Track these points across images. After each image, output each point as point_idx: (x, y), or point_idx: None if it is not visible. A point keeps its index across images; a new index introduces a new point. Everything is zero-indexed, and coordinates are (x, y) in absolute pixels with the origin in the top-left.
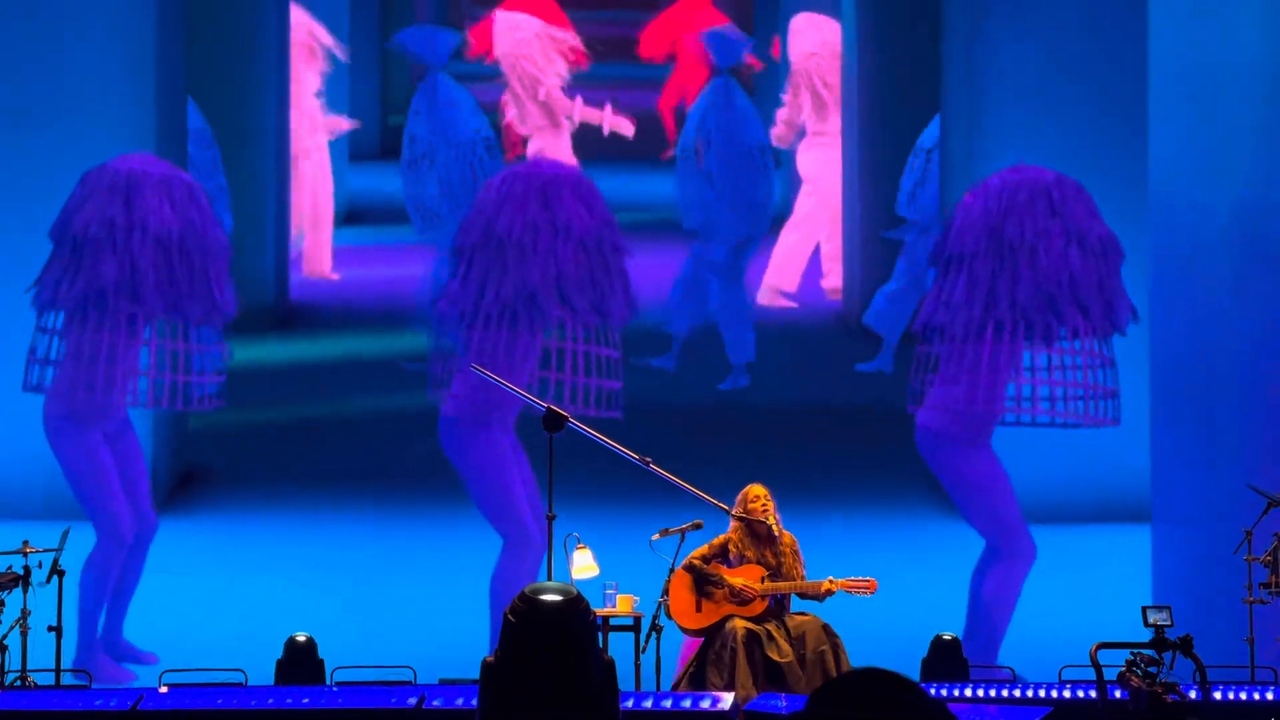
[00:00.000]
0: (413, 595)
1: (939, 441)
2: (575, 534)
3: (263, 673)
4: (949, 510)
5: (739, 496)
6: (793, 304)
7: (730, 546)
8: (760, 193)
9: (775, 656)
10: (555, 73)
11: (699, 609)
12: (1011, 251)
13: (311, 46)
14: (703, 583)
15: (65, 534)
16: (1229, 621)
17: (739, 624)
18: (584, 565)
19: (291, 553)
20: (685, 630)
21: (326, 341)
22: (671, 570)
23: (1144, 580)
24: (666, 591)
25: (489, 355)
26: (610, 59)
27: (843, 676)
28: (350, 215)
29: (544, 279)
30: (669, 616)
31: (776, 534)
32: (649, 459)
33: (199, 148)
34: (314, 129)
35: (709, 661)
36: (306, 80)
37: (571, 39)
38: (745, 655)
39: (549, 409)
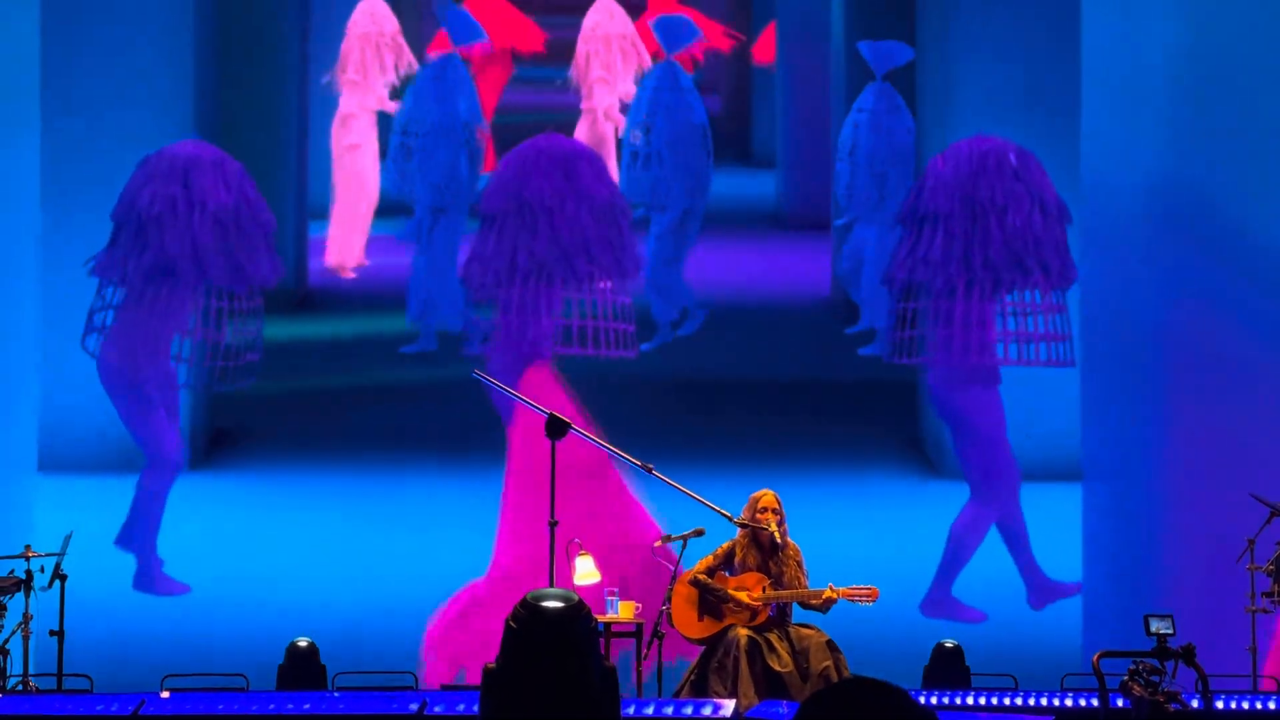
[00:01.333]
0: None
1: (951, 387)
2: (577, 540)
3: (264, 678)
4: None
5: (748, 502)
6: None
7: (736, 552)
8: (702, 167)
9: (776, 666)
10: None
11: (701, 619)
12: (983, 212)
13: (383, 41)
14: (707, 598)
15: (68, 539)
16: (1230, 630)
17: (742, 633)
18: (585, 571)
19: (309, 505)
20: (688, 639)
21: (342, 323)
22: (674, 578)
23: (1076, 535)
24: (669, 599)
25: (528, 308)
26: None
27: (831, 686)
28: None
29: (572, 239)
30: (671, 625)
31: (781, 543)
32: (650, 465)
33: None
34: (371, 123)
35: (711, 669)
36: (373, 74)
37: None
38: (748, 664)
39: (551, 415)
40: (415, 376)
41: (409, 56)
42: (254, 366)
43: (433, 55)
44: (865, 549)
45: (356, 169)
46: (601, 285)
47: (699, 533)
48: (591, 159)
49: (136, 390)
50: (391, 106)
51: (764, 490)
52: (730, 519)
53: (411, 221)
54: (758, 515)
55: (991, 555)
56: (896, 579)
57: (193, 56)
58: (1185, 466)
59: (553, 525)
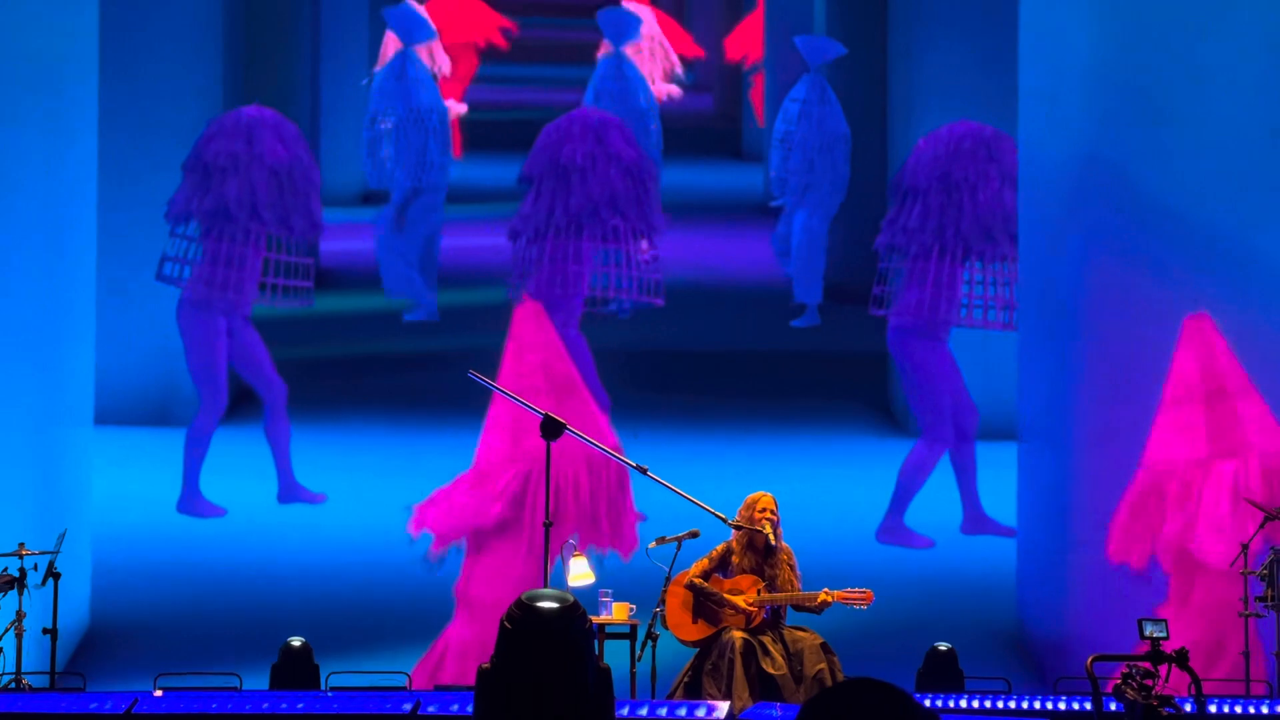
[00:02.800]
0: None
1: (904, 337)
2: (572, 540)
3: (257, 678)
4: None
5: (745, 503)
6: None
7: (731, 554)
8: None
9: (769, 669)
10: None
11: (695, 622)
12: (956, 189)
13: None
14: (704, 602)
15: (61, 537)
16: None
17: (736, 635)
18: (580, 573)
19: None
20: (682, 641)
21: (353, 297)
22: (668, 579)
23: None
24: (663, 600)
25: (562, 259)
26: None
27: (833, 687)
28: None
29: (602, 196)
30: (665, 627)
31: (775, 545)
32: (645, 467)
33: None
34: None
35: (705, 671)
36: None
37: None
38: (742, 666)
39: (546, 416)
40: (409, 346)
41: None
42: (309, 293)
43: (389, 53)
44: (834, 496)
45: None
46: (635, 241)
47: (694, 534)
48: (621, 126)
49: (206, 325)
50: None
51: (761, 493)
52: (725, 521)
53: (387, 208)
54: (755, 517)
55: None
56: (859, 518)
57: (222, 56)
58: (1106, 424)
59: (547, 526)
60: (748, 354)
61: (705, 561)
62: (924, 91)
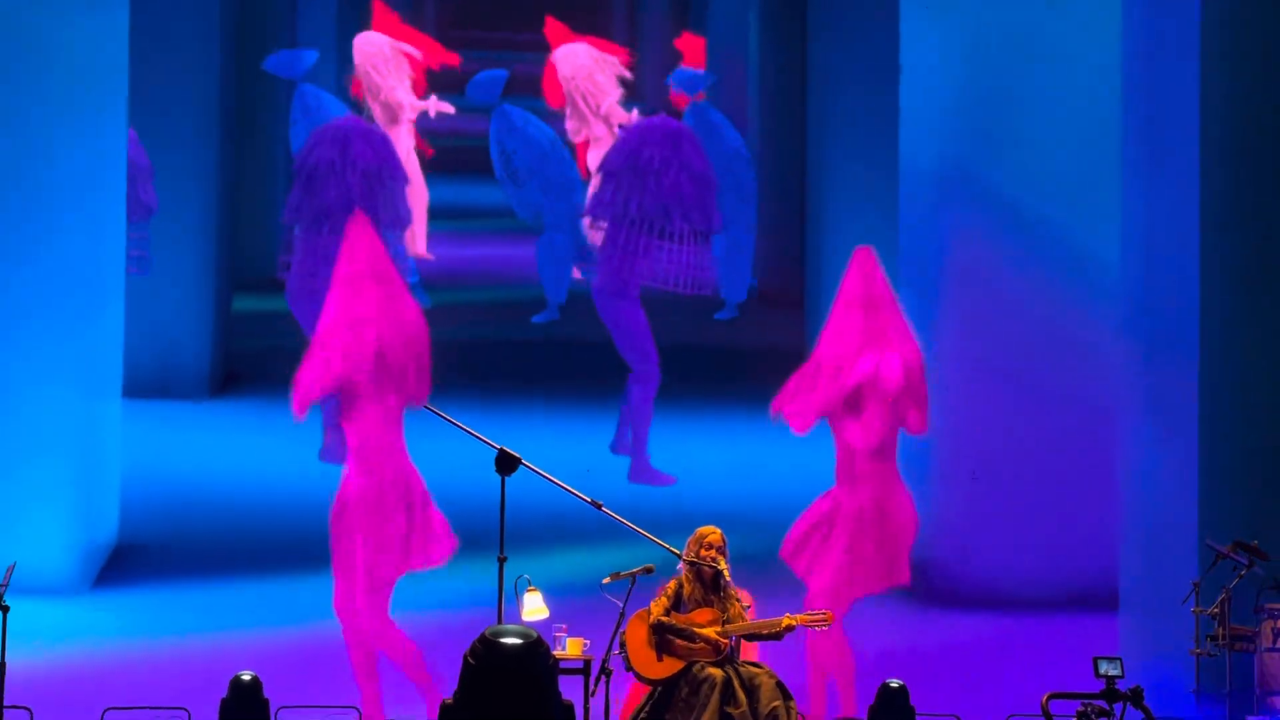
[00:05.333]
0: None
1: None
2: (526, 576)
3: (206, 712)
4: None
5: (691, 538)
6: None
7: (684, 589)
8: (562, 175)
9: (730, 709)
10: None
11: (660, 659)
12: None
13: (384, 55)
14: (669, 638)
15: (10, 569)
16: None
17: (715, 671)
18: (534, 608)
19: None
20: (645, 680)
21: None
22: (623, 615)
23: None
24: (623, 642)
25: (632, 251)
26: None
27: None
28: None
29: (673, 198)
30: (629, 669)
31: (725, 581)
32: (600, 502)
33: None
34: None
35: (676, 707)
36: (391, 82)
37: (618, 63)
38: (718, 701)
39: (501, 451)
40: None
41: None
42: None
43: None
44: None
45: (413, 169)
46: (695, 242)
47: (648, 570)
48: (692, 137)
49: (314, 304)
50: (422, 105)
51: (710, 527)
52: (677, 554)
53: None
54: (702, 552)
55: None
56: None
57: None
58: (960, 373)
59: (502, 561)
60: (677, 346)
61: (664, 600)
62: (836, 116)
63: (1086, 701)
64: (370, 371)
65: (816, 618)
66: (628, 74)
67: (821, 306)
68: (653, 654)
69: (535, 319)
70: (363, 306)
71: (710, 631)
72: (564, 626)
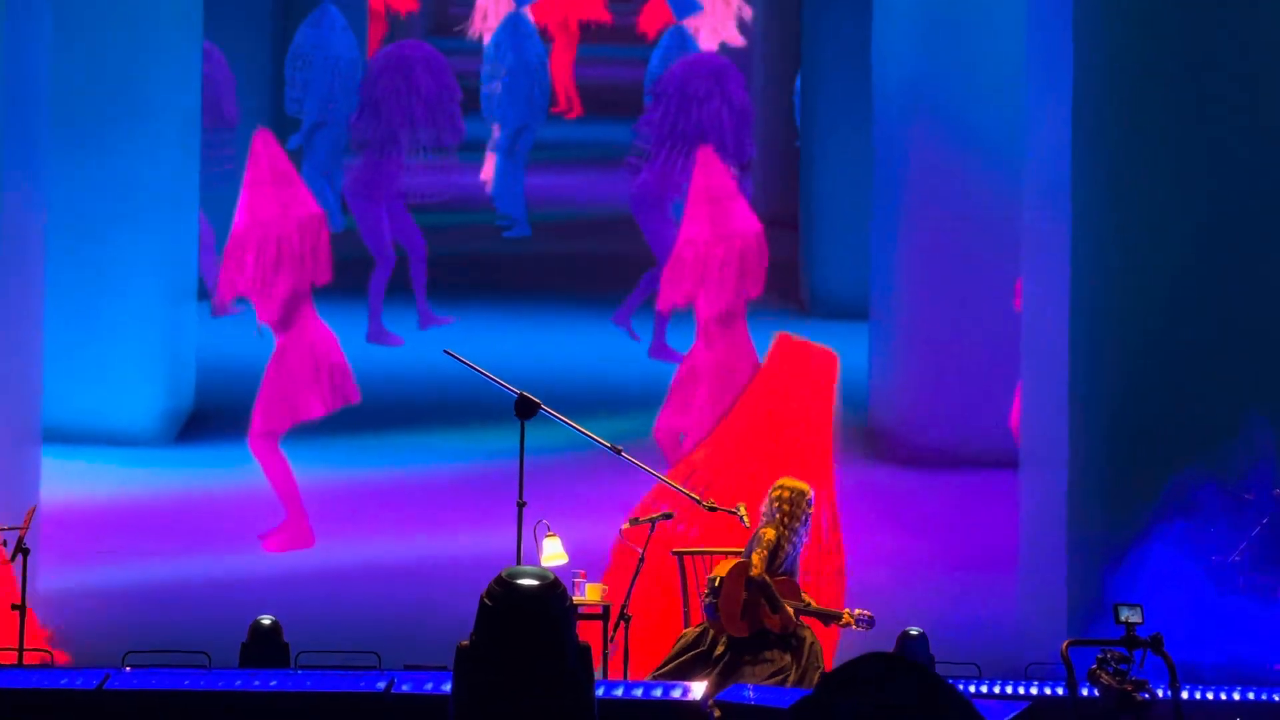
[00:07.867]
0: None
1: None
2: (545, 521)
3: (226, 656)
4: None
5: (789, 495)
6: None
7: (780, 549)
8: (538, 92)
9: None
10: None
11: (743, 618)
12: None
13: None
14: (758, 597)
15: (31, 512)
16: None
17: (781, 658)
18: (553, 553)
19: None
20: (728, 634)
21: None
22: (642, 560)
23: None
24: (712, 582)
25: (670, 171)
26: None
27: (853, 661)
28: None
29: (713, 125)
30: (714, 617)
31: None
32: (620, 447)
33: None
34: None
35: (739, 669)
36: None
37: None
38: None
39: (520, 395)
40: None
41: None
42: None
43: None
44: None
45: None
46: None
47: (668, 516)
48: (736, 73)
49: (375, 208)
50: None
51: (789, 482)
52: (699, 503)
53: (296, 135)
54: (808, 511)
55: None
56: None
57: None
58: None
59: (521, 506)
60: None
61: (764, 552)
62: (830, 71)
63: (1106, 649)
64: (277, 260)
65: (867, 614)
66: None
67: (818, 228)
68: (739, 609)
69: (507, 234)
70: (266, 208)
71: (790, 606)
72: (583, 572)
